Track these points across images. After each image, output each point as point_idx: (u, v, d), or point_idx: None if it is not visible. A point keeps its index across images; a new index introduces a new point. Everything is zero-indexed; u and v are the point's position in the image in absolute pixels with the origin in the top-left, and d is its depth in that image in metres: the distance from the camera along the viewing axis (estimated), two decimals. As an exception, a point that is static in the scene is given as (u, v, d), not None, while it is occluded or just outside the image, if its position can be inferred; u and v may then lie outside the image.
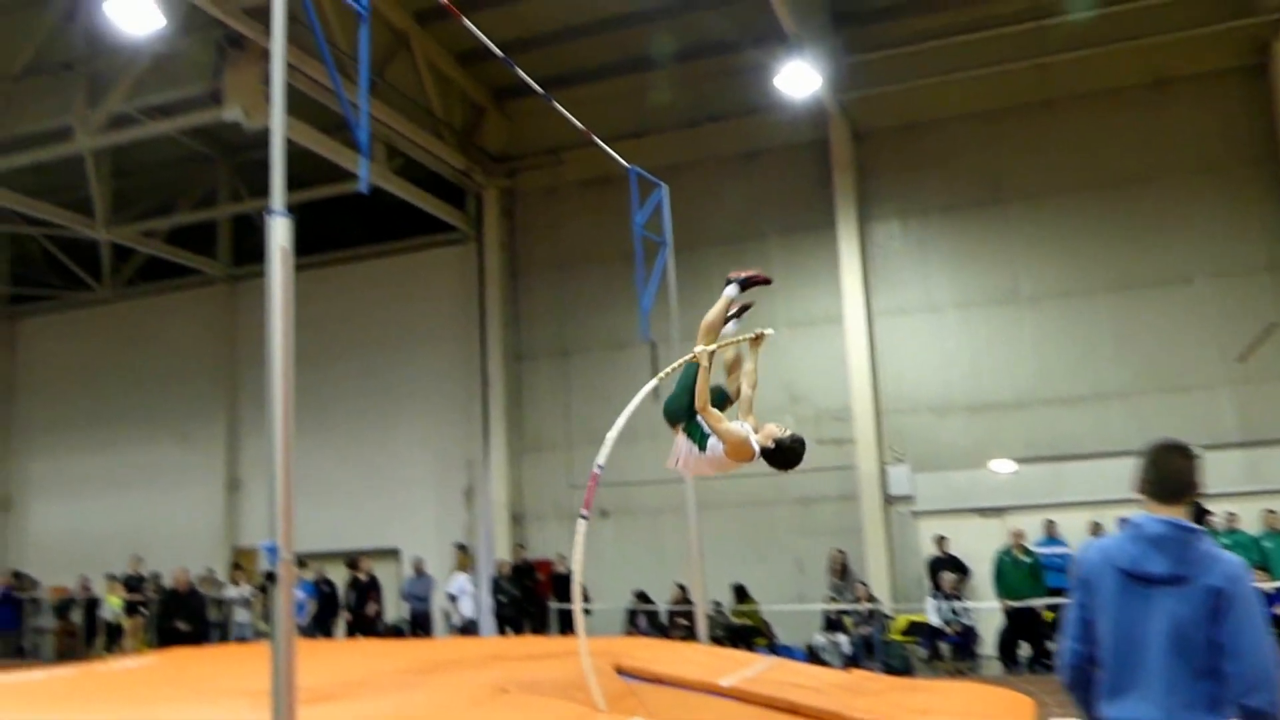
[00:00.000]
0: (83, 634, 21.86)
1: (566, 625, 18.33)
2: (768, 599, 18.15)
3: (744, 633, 17.52)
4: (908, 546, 18.01)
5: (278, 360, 5.53)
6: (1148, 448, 3.96)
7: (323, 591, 18.49)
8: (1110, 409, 17.26)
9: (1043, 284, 17.90)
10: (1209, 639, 3.64)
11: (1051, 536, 16.83)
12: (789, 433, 7.41)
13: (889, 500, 18.14)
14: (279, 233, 5.66)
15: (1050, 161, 18.08)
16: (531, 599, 18.86)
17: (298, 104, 13.66)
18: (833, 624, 17.34)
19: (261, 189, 20.29)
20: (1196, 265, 17.18)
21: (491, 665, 8.08)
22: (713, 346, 7.62)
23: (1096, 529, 16.27)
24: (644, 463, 19.00)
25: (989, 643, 16.54)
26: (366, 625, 18.51)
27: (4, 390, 26.48)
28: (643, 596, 18.64)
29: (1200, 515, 14.51)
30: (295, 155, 6.04)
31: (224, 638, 19.68)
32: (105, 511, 24.39)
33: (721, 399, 7.93)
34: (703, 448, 7.54)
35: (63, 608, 22.70)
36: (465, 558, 19.31)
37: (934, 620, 16.49)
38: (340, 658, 9.66)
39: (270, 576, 5.34)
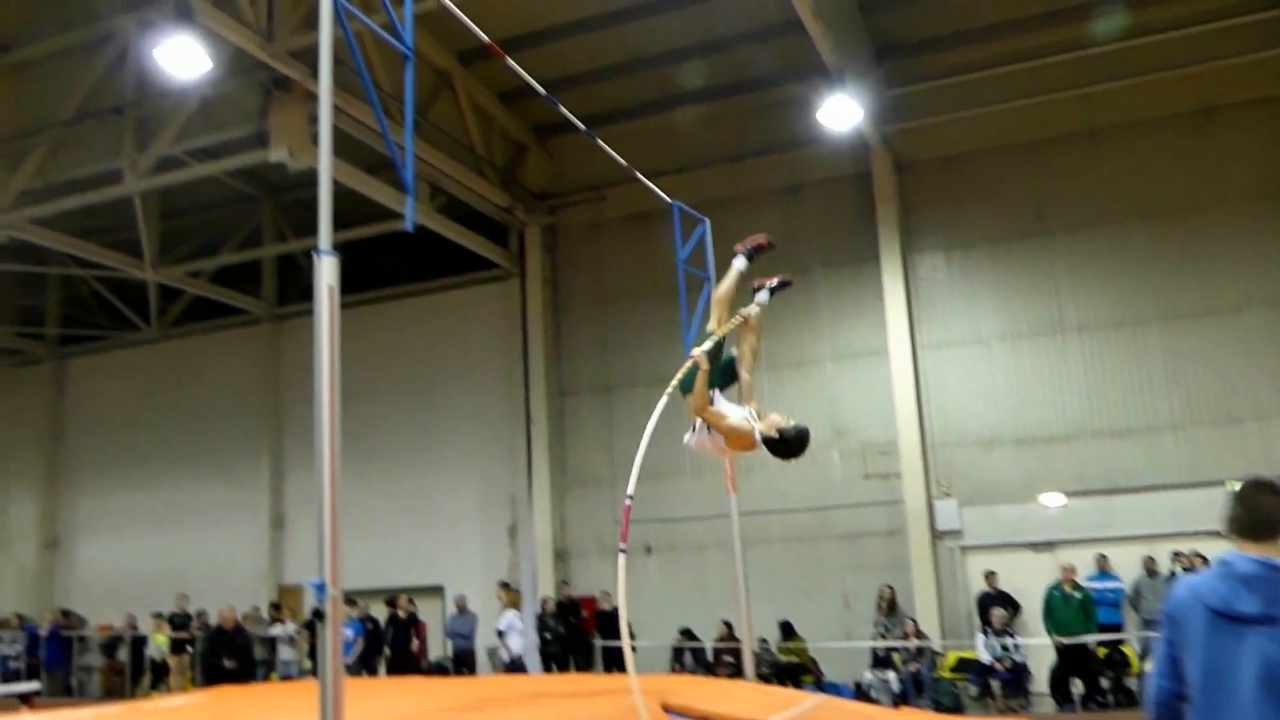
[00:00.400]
0: (129, 672, 21.92)
1: (611, 662, 18.24)
2: (815, 636, 17.94)
3: (791, 670, 17.34)
4: (956, 582, 17.79)
5: (325, 397, 5.53)
6: (1237, 486, 3.90)
7: (367, 629, 18.47)
8: (1162, 441, 17.02)
9: (1090, 315, 17.71)
10: None
11: (1103, 571, 16.59)
12: (792, 423, 7.38)
13: (937, 535, 17.93)
14: (326, 271, 5.67)
15: (1096, 191, 17.93)
16: (576, 636, 18.76)
17: (342, 144, 13.77)
18: (881, 661, 17.12)
19: (305, 228, 20.64)
20: (1248, 294, 16.95)
21: (538, 703, 8.03)
22: (708, 345, 7.63)
23: (1150, 564, 16.07)
24: (687, 498, 19.10)
25: (1041, 679, 16.26)
26: (408, 663, 18.45)
27: (52, 430, 26.77)
28: (688, 633, 18.50)
29: None
30: (339, 195, 6.06)
31: (269, 676, 19.69)
32: (151, 549, 24.55)
33: (729, 376, 7.95)
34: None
35: (109, 646, 22.81)
36: (514, 595, 19.22)
37: (984, 657, 16.25)
38: (386, 696, 9.62)
39: (318, 614, 5.33)
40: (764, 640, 17.44)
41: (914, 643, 16.76)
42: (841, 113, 16.71)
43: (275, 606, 20.92)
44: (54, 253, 22.13)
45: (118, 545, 25.19)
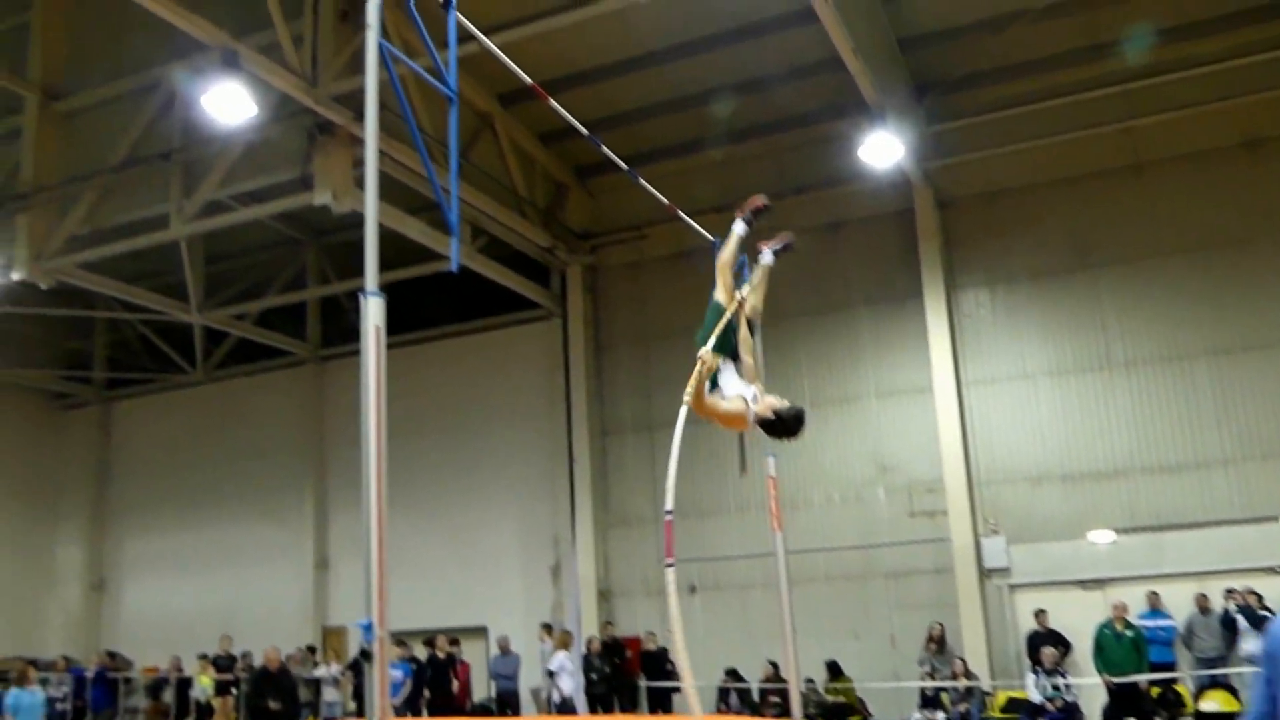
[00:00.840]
0: (175, 714, 21.97)
1: (657, 704, 18.13)
2: (862, 676, 17.75)
3: (839, 710, 17.15)
4: (1005, 621, 17.55)
5: (372, 438, 5.53)
6: None
7: (415, 671, 18.41)
8: (1212, 476, 16.78)
9: (1137, 350, 17.53)
10: None
11: (1154, 609, 16.34)
12: (787, 404, 7.43)
13: (984, 573, 17.71)
14: (373, 312, 5.68)
15: (1140, 225, 17.78)
16: (621, 677, 18.64)
17: (385, 186, 13.89)
18: (930, 701, 16.89)
19: (348, 270, 20.79)
20: (1297, 327, 16.77)
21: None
22: (712, 342, 7.58)
23: (1203, 601, 15.81)
24: (730, 537, 19.03)
25: (1092, 720, 16.02)
26: (447, 705, 18.36)
27: (99, 472, 27.04)
28: (734, 674, 18.33)
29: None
30: (383, 237, 6.10)
31: (314, 717, 19.67)
32: (196, 591, 24.69)
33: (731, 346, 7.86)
34: (713, 388, 7.65)
35: (155, 687, 22.87)
36: (566, 636, 19.12)
37: (1034, 697, 15.98)
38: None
39: (365, 654, 5.31)
40: (811, 680, 17.26)
41: (963, 683, 16.55)
42: (883, 149, 16.67)
43: (310, 649, 20.93)
44: (101, 297, 22.42)
45: (163, 586, 25.36)
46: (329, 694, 19.76)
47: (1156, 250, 17.64)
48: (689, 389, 7.51)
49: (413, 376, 20.98)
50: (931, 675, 17.00)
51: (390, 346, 5.80)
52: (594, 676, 18.43)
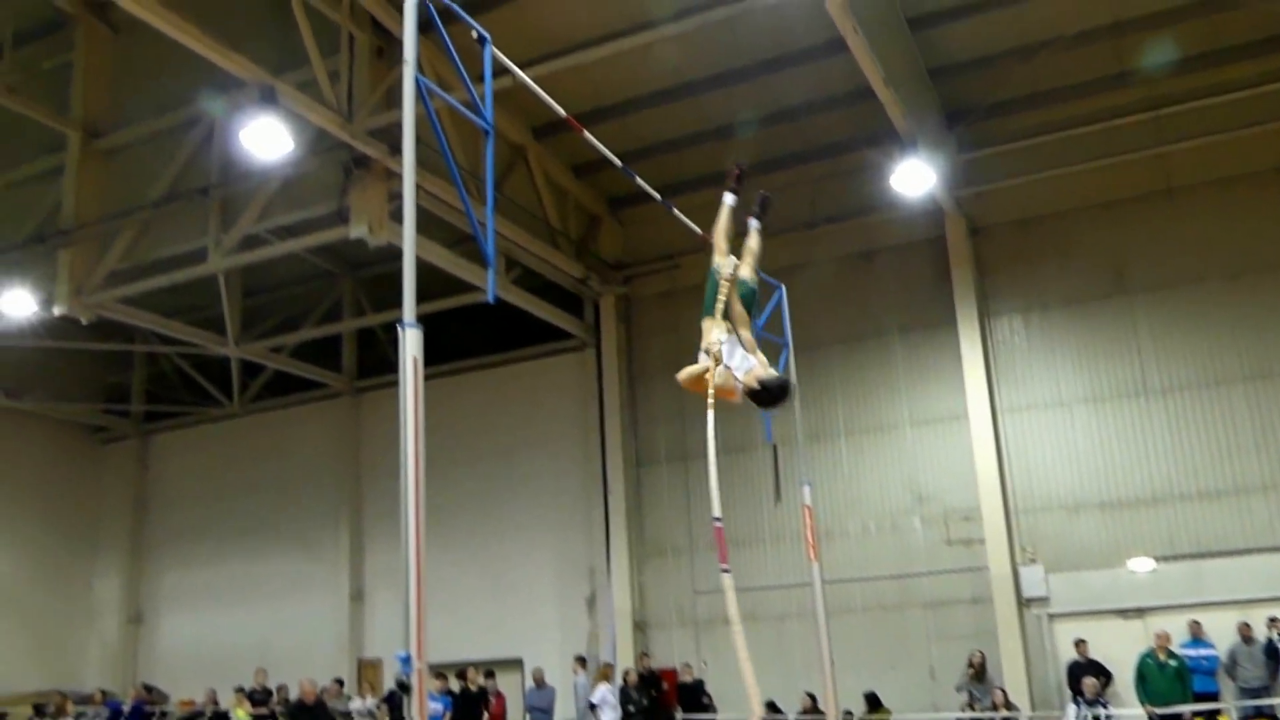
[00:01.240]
0: (211, 747, 22.03)
1: (693, 736, 18.07)
2: (901, 707, 17.61)
3: (877, 742, 17.03)
4: (1045, 650, 17.38)
5: (410, 469, 5.56)
6: None
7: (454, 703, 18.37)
8: (1252, 503, 16.62)
9: (1174, 376, 17.41)
10: None
11: (1196, 638, 16.13)
12: (772, 373, 7.78)
13: (1023, 602, 17.54)
14: (411, 343, 5.73)
15: (1175, 250, 17.70)
16: (658, 709, 18.55)
17: (419, 219, 14.00)
18: (970, 732, 16.76)
19: (383, 303, 20.90)
20: (1338, 351, 16.63)
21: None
22: (714, 336, 7.94)
23: (1245, 630, 15.63)
24: (766, 567, 18.98)
25: (1135, 751, 15.83)
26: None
27: (136, 505, 27.24)
28: (772, 706, 18.20)
29: None
30: (417, 269, 6.17)
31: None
32: (232, 623, 24.78)
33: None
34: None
35: (191, 720, 22.96)
36: (608, 668, 19.06)
37: (1076, 728, 15.83)
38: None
39: (404, 687, 5.31)
40: (849, 712, 17.12)
41: (1003, 713, 16.37)
42: (914, 178, 16.68)
43: (338, 682, 20.90)
44: (140, 331, 22.65)
45: (200, 619, 25.46)
46: (364, 727, 19.76)
47: (1191, 275, 17.55)
48: (687, 372, 7.98)
49: (447, 407, 21.04)
50: (971, 704, 16.84)
51: (425, 378, 5.84)
52: (631, 709, 18.33)
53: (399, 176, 15.83)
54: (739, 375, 7.74)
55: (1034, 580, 17.55)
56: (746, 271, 8.57)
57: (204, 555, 25.82)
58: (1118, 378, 17.76)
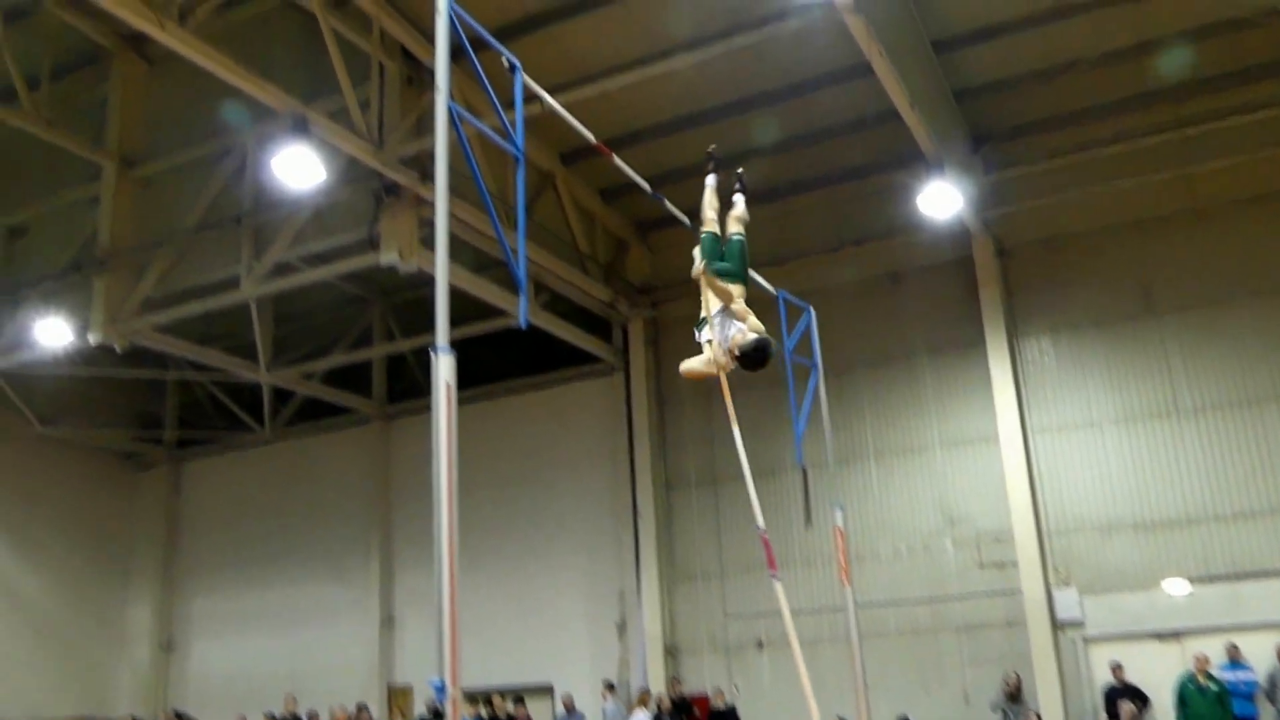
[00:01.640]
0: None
1: (725, 761, 17.98)
2: (934, 731, 17.55)
3: (910, 766, 16.91)
4: (1080, 674, 17.23)
5: (444, 494, 5.61)
6: None
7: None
8: (1289, 523, 16.51)
9: (1206, 395, 17.30)
10: None
11: (1234, 661, 15.94)
12: (751, 338, 8.21)
13: (1057, 626, 17.42)
14: (444, 369, 5.79)
15: (1205, 269, 17.62)
16: (690, 734, 18.53)
17: (450, 245, 14.11)
18: (1005, 756, 16.64)
19: (414, 329, 20.98)
20: (1372, 367, 16.52)
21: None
22: (701, 263, 8.64)
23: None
24: (798, 591, 18.88)
25: (1174, 776, 15.67)
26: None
27: (168, 531, 27.36)
28: (805, 730, 18.12)
29: None
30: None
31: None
32: (262, 650, 24.86)
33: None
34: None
35: (223, 747, 23.00)
36: (644, 694, 19.01)
37: (1112, 752, 15.69)
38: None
39: (437, 714, 5.35)
40: (881, 735, 17.08)
41: (1038, 737, 16.26)
42: (941, 199, 16.68)
43: (360, 708, 20.89)
44: (173, 358, 22.82)
45: (231, 645, 25.54)
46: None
47: (1221, 295, 17.46)
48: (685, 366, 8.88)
49: (475, 432, 21.05)
50: (1006, 727, 16.75)
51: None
52: (664, 734, 18.33)
53: (429, 203, 16.09)
54: (723, 347, 8.36)
55: (1068, 603, 17.43)
56: (735, 227, 9.42)
57: (235, 581, 25.93)
58: (1149, 397, 17.68)
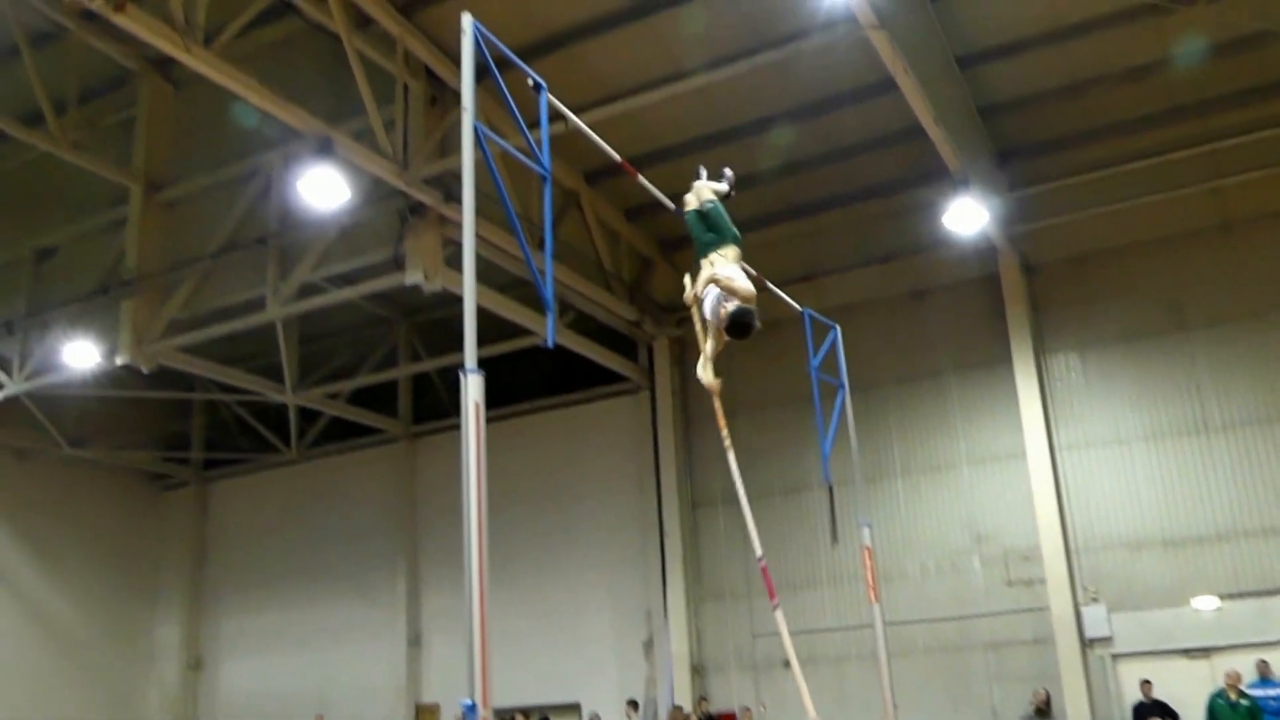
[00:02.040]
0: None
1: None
2: (963, 750, 17.42)
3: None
4: (1109, 692, 17.09)
5: (473, 513, 5.60)
6: None
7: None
8: (1320, 539, 16.35)
9: (1235, 412, 17.18)
10: None
11: (1265, 677, 15.79)
12: (734, 306, 8.36)
13: (1086, 643, 17.30)
14: (473, 389, 5.79)
15: (1233, 285, 17.52)
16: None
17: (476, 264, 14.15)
18: (1034, 774, 16.49)
19: (438, 348, 20.94)
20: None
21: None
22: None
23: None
24: (824, 609, 18.84)
25: (1205, 794, 15.51)
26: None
27: (196, 551, 27.47)
28: (831, 749, 18.07)
29: None
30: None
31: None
32: (291, 668, 24.88)
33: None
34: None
35: (253, 766, 23.03)
36: (676, 711, 18.94)
37: (1143, 770, 15.54)
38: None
39: (467, 734, 5.33)
40: (910, 754, 16.96)
41: (1068, 756, 16.12)
42: (967, 216, 16.63)
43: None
44: (200, 379, 22.93)
45: (259, 664, 25.58)
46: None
47: (1250, 310, 17.35)
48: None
49: (501, 452, 21.01)
50: (1035, 744, 16.61)
51: (480, 422, 5.89)
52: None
53: (453, 223, 16.16)
54: (714, 323, 8.67)
55: (1097, 620, 17.31)
56: (706, 194, 9.76)
57: (263, 600, 26.00)
58: (1177, 414, 17.55)
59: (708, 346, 8.84)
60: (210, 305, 18.48)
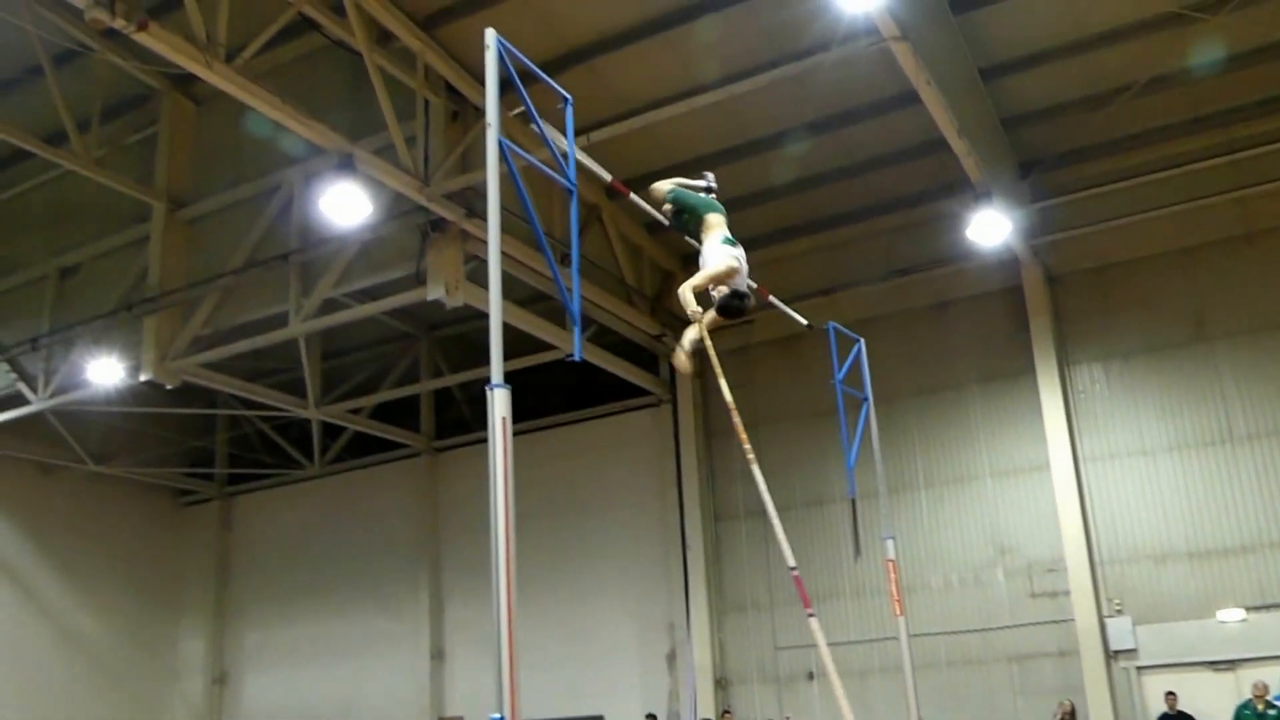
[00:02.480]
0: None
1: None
2: (987, 764, 17.32)
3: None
4: (1134, 704, 16.99)
5: (501, 527, 5.60)
6: None
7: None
8: (1347, 550, 16.23)
9: (1260, 422, 17.07)
10: None
11: (1290, 690, 15.72)
12: (725, 290, 8.60)
13: (1111, 655, 17.19)
14: (499, 403, 5.80)
15: (1258, 295, 17.41)
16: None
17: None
18: (1060, 787, 16.39)
19: (460, 363, 20.90)
20: None
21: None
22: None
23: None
24: (848, 622, 18.78)
25: (1234, 807, 15.39)
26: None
27: (220, 566, 27.55)
28: (856, 762, 17.94)
29: None
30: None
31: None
32: (314, 683, 24.93)
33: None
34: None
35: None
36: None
37: (1169, 783, 15.44)
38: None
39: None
40: (935, 768, 16.88)
41: (1094, 769, 16.02)
42: (990, 228, 16.62)
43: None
44: (223, 395, 23.02)
45: (283, 679, 25.63)
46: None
47: (1274, 320, 17.26)
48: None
49: (524, 465, 20.85)
50: (1061, 755, 16.51)
51: (502, 436, 5.89)
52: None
53: (475, 238, 16.17)
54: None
55: (1121, 632, 17.20)
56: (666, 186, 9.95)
57: (286, 615, 26.07)
58: (1202, 425, 17.45)
59: (693, 330, 8.79)
60: (233, 321, 18.54)
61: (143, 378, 18.89)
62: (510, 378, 6.16)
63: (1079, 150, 17.95)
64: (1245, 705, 15.42)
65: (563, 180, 7.43)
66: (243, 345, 18.74)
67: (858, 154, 18.42)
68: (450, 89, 16.25)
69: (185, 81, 18.04)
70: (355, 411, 23.52)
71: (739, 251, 9.00)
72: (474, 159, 15.36)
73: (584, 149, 11.10)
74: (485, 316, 6.35)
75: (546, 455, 22.67)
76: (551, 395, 22.78)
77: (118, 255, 19.61)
